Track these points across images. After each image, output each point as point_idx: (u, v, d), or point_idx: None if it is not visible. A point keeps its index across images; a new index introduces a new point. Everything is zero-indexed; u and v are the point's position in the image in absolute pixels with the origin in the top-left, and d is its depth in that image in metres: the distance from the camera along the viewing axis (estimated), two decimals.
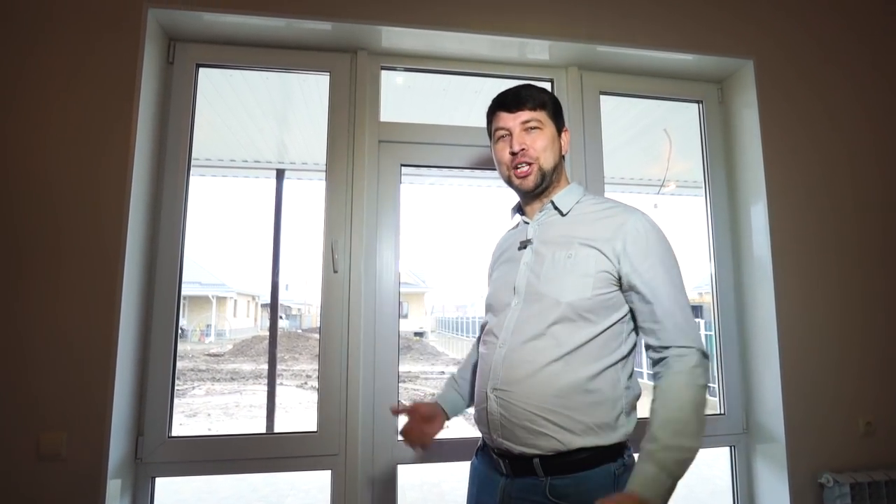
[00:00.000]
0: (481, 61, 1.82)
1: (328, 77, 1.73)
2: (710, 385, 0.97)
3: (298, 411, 7.69)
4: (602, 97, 1.89)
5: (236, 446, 1.54)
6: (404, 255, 1.71)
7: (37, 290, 1.35)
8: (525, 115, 1.10)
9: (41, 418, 1.31)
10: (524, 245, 1.12)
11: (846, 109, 1.88)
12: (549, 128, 1.11)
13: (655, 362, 0.99)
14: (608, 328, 0.99)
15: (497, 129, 1.14)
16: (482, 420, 1.04)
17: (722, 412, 1.84)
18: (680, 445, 0.86)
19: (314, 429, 1.58)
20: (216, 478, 4.39)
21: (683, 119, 2.11)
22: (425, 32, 1.65)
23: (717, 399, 1.89)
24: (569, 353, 0.96)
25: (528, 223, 1.16)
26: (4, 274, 1.34)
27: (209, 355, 13.81)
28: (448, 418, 1.25)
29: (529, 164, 1.09)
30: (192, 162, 1.67)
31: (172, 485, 1.34)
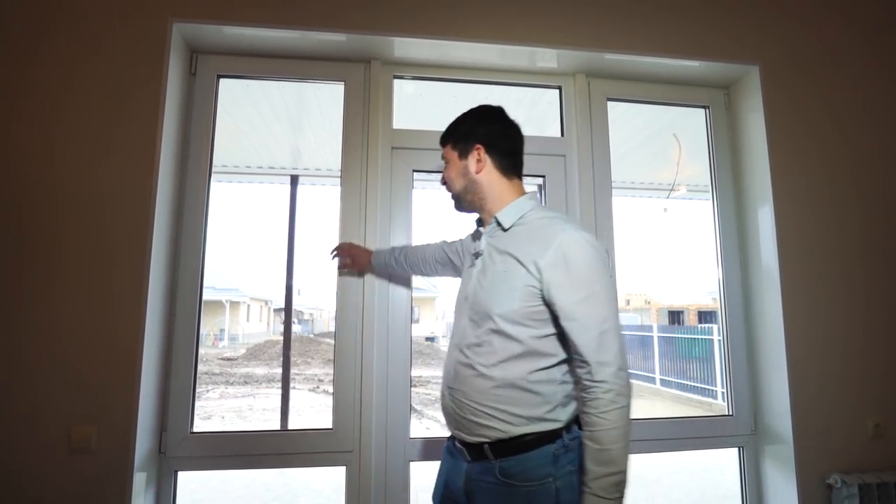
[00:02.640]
0: (491, 69, 1.87)
1: (342, 86, 1.79)
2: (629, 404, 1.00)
3: (311, 414, 7.76)
4: (610, 102, 1.93)
5: (255, 442, 1.59)
6: None
7: (70, 292, 1.43)
8: (442, 152, 1.26)
9: (73, 413, 1.38)
10: (477, 255, 1.21)
11: (852, 114, 1.90)
12: (452, 157, 1.23)
13: (578, 379, 1.04)
14: (543, 336, 1.06)
15: None
16: (444, 414, 1.18)
17: (730, 413, 1.86)
18: (609, 472, 0.96)
19: (330, 426, 1.63)
20: (231, 477, 4.45)
21: (693, 122, 2.13)
22: (436, 42, 1.70)
23: (724, 403, 1.91)
24: (504, 360, 1.06)
25: (482, 234, 1.24)
26: (40, 278, 1.42)
27: (223, 359, 13.95)
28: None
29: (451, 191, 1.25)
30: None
31: (189, 484, 1.39)
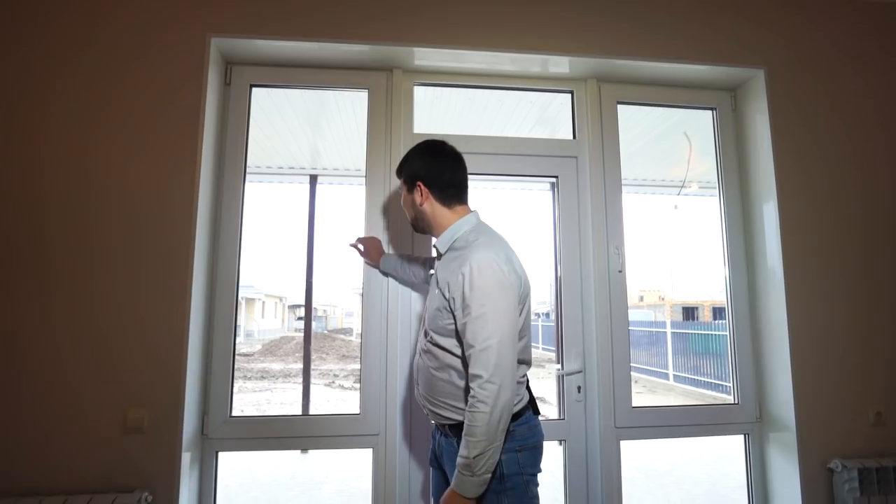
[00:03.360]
0: (506, 76, 1.97)
1: (366, 93, 1.90)
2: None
3: (326, 409, 7.92)
4: (620, 105, 2.01)
5: (288, 425, 1.72)
6: None
7: (126, 287, 1.56)
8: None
9: (128, 396, 1.52)
10: (433, 275, 1.38)
11: (857, 114, 1.96)
12: (404, 190, 1.40)
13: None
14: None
15: None
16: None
17: (736, 402, 1.94)
18: (467, 454, 1.15)
19: (357, 411, 1.75)
20: (256, 466, 4.62)
21: (704, 120, 2.19)
22: (454, 52, 1.81)
23: (731, 394, 2.00)
24: (441, 364, 1.29)
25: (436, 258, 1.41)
26: (96, 274, 1.55)
27: (239, 354, 14.19)
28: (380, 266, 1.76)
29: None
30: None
31: (218, 471, 1.53)
